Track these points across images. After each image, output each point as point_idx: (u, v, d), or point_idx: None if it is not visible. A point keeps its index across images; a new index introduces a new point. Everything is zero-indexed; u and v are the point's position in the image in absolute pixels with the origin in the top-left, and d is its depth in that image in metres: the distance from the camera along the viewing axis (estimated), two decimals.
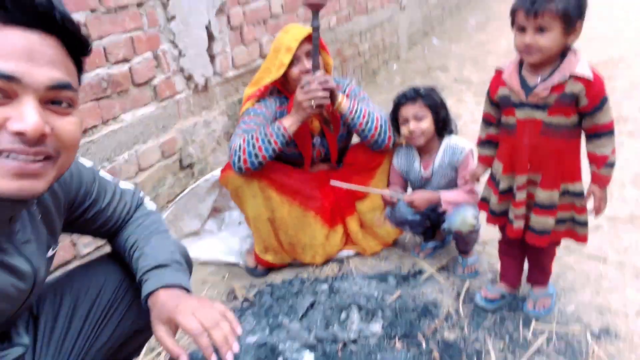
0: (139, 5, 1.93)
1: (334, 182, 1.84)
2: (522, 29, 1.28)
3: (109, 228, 1.08)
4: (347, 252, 2.08)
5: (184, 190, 2.13)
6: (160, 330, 0.91)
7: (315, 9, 1.71)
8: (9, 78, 0.61)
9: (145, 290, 0.96)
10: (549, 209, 1.42)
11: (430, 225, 1.99)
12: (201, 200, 2.26)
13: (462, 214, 1.70)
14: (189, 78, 2.25)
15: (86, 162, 1.04)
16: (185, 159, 2.29)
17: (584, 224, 1.44)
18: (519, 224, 1.47)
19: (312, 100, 1.68)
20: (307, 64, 1.78)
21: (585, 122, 1.35)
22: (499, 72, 1.45)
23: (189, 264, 1.12)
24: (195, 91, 2.32)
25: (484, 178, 1.63)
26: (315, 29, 1.70)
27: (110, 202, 1.05)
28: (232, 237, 2.28)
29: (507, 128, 1.45)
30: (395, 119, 1.84)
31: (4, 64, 0.61)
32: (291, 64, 1.79)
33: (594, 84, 1.29)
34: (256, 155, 1.71)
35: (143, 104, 2.02)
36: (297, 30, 1.80)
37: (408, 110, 1.77)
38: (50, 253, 0.91)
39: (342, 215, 2.02)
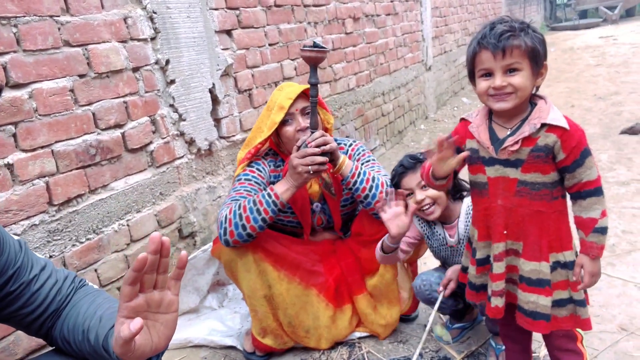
0: (135, 70, 1.87)
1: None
2: (487, 74, 1.12)
3: (40, 310, 0.95)
4: (358, 333, 1.81)
5: None
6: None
7: (314, 63, 1.57)
8: None
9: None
10: (539, 286, 1.16)
11: (463, 305, 1.70)
12: (200, 273, 2.07)
13: None
14: (190, 142, 2.15)
15: (14, 236, 0.97)
16: (186, 228, 2.13)
17: (583, 304, 1.16)
18: (496, 302, 1.21)
19: (309, 166, 1.49)
20: (303, 121, 1.63)
21: (567, 180, 1.13)
22: (464, 122, 1.24)
23: None
24: (198, 155, 2.21)
25: None
26: (313, 85, 1.57)
27: (38, 275, 0.96)
28: (233, 315, 2.05)
29: (477, 188, 1.23)
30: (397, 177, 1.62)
31: None
32: (285, 122, 1.64)
33: (571, 134, 1.09)
34: (244, 227, 1.52)
35: (137, 171, 1.91)
36: (291, 88, 1.66)
37: (411, 181, 1.54)
38: None
39: (350, 293, 1.76)
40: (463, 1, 6.46)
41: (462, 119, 1.26)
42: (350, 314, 1.76)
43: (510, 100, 1.11)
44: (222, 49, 2.33)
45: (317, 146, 1.51)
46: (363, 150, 1.81)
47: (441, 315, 1.84)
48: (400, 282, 1.81)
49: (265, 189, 1.60)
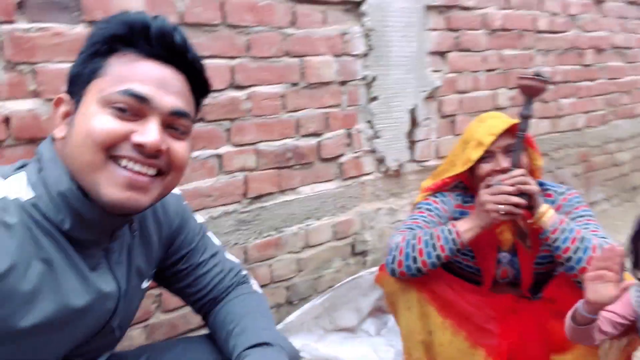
0: (342, 83, 1.93)
1: None
2: None
3: (201, 293, 1.01)
4: None
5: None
6: None
7: (530, 95, 1.36)
8: (143, 99, 0.72)
9: None
10: None
11: None
12: (363, 294, 2.02)
13: None
14: (380, 161, 2.11)
15: (198, 217, 1.04)
16: (359, 245, 2.11)
17: None
18: None
19: (501, 205, 1.29)
20: (504, 161, 1.40)
21: None
22: None
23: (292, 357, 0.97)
24: (386, 175, 2.16)
25: None
26: (525, 118, 1.35)
27: (207, 260, 1.01)
28: (388, 347, 1.93)
29: None
30: (637, 250, 1.26)
31: (141, 87, 0.72)
32: (483, 159, 1.45)
33: None
34: (414, 260, 1.39)
35: (325, 180, 1.96)
36: (495, 122, 1.45)
37: None
38: (145, 284, 0.94)
39: None
40: None
41: None
42: None
43: None
44: (432, 71, 2.24)
45: (514, 185, 1.29)
46: (578, 202, 1.48)
47: None
48: None
49: (446, 224, 1.45)
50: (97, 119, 0.70)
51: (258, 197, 1.77)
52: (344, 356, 1.86)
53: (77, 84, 0.75)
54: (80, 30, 1.33)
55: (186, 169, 0.82)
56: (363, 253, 2.14)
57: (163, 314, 1.61)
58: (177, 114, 0.75)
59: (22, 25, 1.24)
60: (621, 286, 1.10)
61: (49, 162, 0.74)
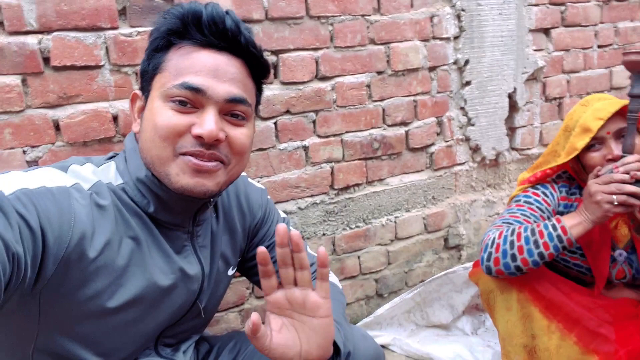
0: (431, 69, 1.84)
1: None
2: None
3: None
4: None
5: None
6: None
7: (639, 71, 1.17)
8: (198, 90, 0.73)
9: None
10: None
11: None
12: (457, 290, 1.91)
13: None
14: (475, 149, 1.98)
15: (281, 213, 1.07)
16: (452, 239, 2.00)
17: None
18: None
19: (614, 195, 1.13)
20: (616, 148, 1.23)
21: None
22: None
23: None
24: (482, 165, 2.02)
25: None
26: (635, 98, 1.17)
27: None
28: (485, 348, 1.81)
29: None
30: None
31: (195, 79, 0.73)
32: (591, 147, 1.28)
33: None
34: (513, 257, 1.27)
35: (414, 170, 1.89)
36: (602, 104, 1.27)
37: None
38: (230, 272, 0.97)
39: None
40: None
41: None
42: None
43: None
44: (534, 50, 2.04)
45: (628, 172, 1.13)
46: None
47: None
48: None
49: (549, 218, 1.31)
50: (161, 114, 0.74)
51: (345, 188, 1.75)
52: (437, 354, 1.78)
53: (145, 80, 0.79)
54: None
55: (249, 154, 0.83)
56: (457, 247, 2.03)
57: (256, 300, 1.67)
58: (234, 100, 0.76)
59: (124, 30, 1.35)
60: None
61: (131, 152, 0.80)
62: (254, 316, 0.69)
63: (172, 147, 0.74)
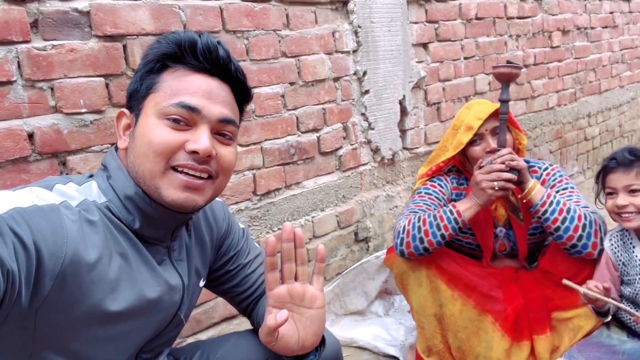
0: (336, 79, 2.02)
1: (566, 282, 1.40)
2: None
3: (249, 292, 1.08)
4: None
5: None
6: None
7: (506, 81, 1.48)
8: (193, 110, 0.79)
9: None
10: None
11: None
12: (370, 278, 2.13)
13: None
14: (375, 151, 2.22)
15: (240, 224, 1.13)
16: (361, 232, 2.22)
17: None
18: None
19: (495, 182, 1.41)
20: (493, 142, 1.54)
21: None
22: None
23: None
24: (381, 164, 2.28)
25: None
26: (504, 102, 1.47)
27: (252, 260, 1.09)
28: (398, 325, 2.05)
29: None
30: (598, 185, 1.43)
31: (192, 99, 0.80)
32: (473, 143, 1.58)
33: None
34: (421, 240, 1.51)
35: (326, 172, 2.06)
36: (481, 107, 1.58)
37: (618, 180, 1.34)
38: (201, 283, 1.02)
39: (531, 331, 1.59)
40: None
41: None
42: (527, 354, 1.59)
43: None
44: (417, 62, 2.36)
45: (503, 162, 1.42)
46: (560, 176, 1.62)
47: None
48: None
49: (445, 205, 1.57)
50: (156, 131, 0.78)
51: (266, 194, 1.85)
52: (359, 337, 1.96)
53: (136, 99, 0.83)
54: (93, 45, 1.38)
55: (232, 171, 0.90)
56: (365, 239, 2.25)
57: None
58: (225, 120, 0.83)
59: (37, 43, 1.29)
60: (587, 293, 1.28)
61: (115, 170, 0.82)
62: (284, 313, 0.78)
63: (165, 162, 0.78)
